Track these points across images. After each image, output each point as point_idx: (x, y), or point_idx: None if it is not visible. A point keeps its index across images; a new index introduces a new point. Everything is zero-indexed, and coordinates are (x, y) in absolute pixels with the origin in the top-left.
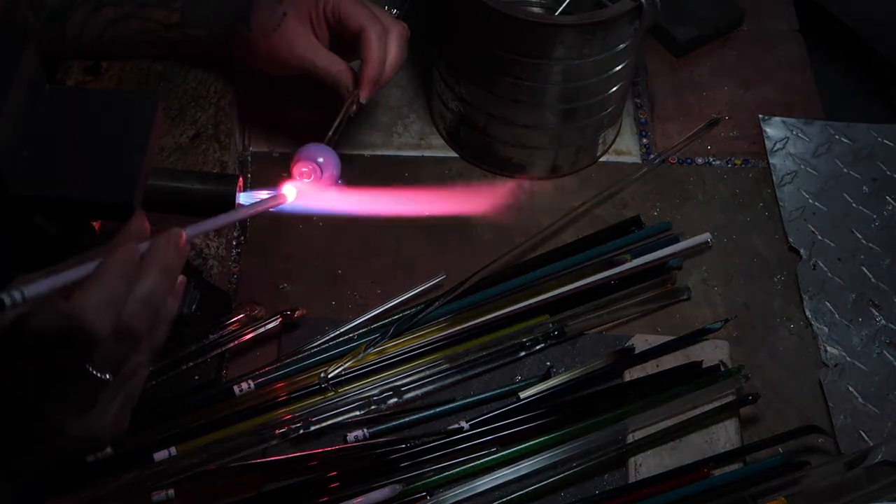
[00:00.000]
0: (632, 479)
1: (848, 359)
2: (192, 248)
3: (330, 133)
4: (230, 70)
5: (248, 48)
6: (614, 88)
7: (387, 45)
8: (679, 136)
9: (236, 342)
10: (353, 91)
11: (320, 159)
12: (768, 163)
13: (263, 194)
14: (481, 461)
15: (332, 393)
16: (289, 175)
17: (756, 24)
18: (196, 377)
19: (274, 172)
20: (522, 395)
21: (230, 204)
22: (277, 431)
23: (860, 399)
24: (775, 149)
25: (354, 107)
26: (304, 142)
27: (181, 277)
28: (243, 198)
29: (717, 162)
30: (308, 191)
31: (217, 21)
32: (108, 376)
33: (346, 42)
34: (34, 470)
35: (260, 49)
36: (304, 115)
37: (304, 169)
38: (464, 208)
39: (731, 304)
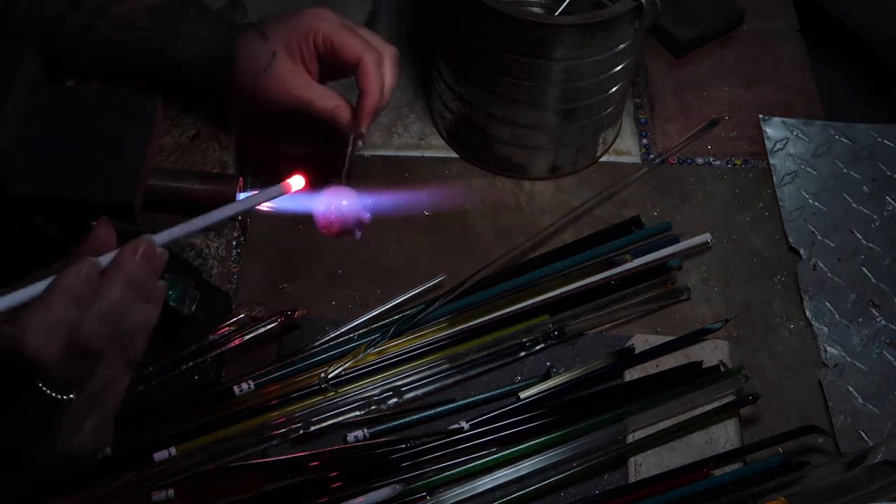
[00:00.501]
0: (632, 479)
1: (848, 359)
2: (191, 248)
3: (344, 172)
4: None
5: (238, 90)
6: (614, 88)
7: (383, 72)
8: (679, 136)
9: (236, 342)
10: (354, 125)
11: (344, 202)
12: (768, 163)
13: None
14: (481, 461)
15: (332, 393)
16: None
17: (756, 24)
18: (196, 377)
19: (274, 172)
20: (522, 395)
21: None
22: (277, 431)
23: (860, 399)
24: (775, 149)
25: (360, 142)
26: (306, 142)
27: (161, 283)
28: (243, 198)
29: (717, 162)
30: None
31: (199, 63)
32: (70, 396)
33: (337, 69)
34: (32, 483)
35: (250, 91)
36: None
37: (330, 217)
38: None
39: (731, 304)
